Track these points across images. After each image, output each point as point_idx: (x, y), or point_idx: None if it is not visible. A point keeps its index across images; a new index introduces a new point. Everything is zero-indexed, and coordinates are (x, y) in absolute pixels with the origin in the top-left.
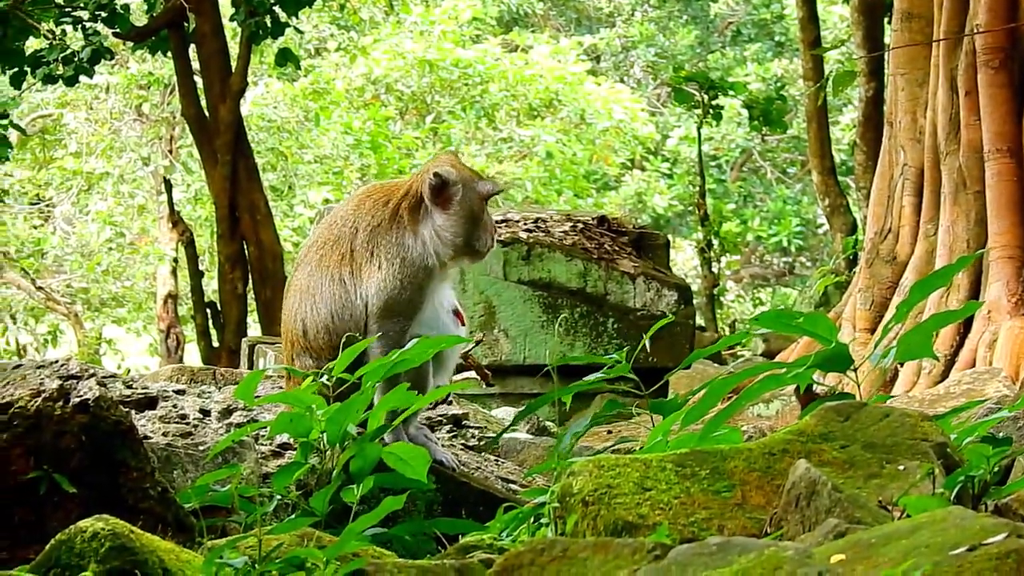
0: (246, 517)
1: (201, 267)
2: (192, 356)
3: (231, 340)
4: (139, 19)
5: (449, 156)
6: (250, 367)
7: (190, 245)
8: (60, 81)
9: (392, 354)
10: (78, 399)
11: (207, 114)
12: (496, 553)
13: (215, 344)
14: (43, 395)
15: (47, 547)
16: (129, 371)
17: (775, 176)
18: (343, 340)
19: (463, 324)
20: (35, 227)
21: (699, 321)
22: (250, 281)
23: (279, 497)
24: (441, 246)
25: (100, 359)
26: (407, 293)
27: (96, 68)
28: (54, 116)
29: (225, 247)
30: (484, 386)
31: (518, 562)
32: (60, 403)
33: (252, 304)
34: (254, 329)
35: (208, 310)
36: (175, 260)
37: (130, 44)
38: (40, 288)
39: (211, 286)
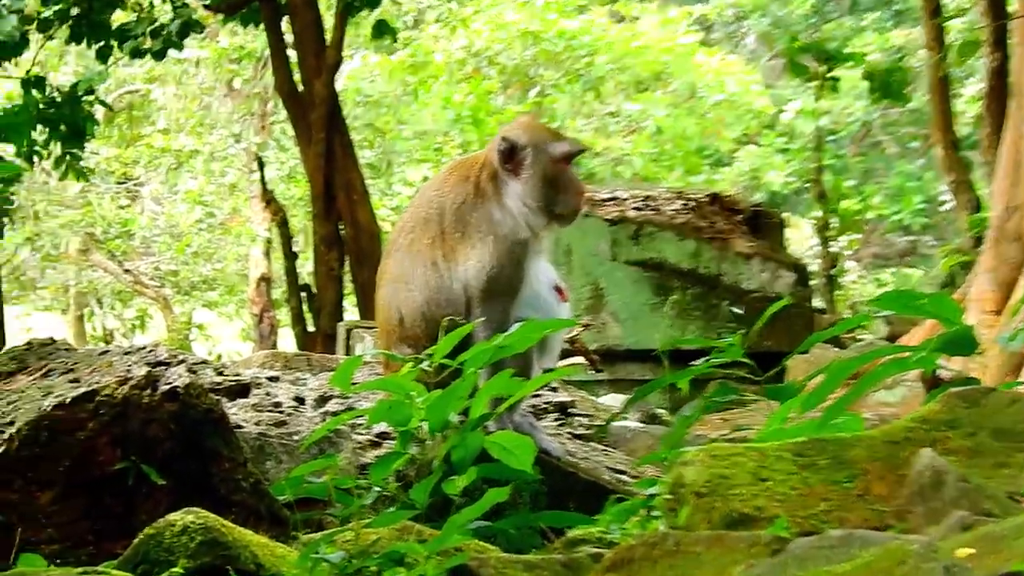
0: (343, 510)
1: (295, 248)
2: (286, 341)
3: (327, 324)
4: None
5: (524, 118)
6: (347, 353)
7: (284, 225)
8: (148, 55)
9: (495, 338)
10: (167, 386)
11: (301, 89)
12: (605, 547)
13: (310, 329)
14: (130, 382)
15: (135, 541)
16: (220, 357)
17: (896, 151)
18: (444, 324)
19: (565, 300)
20: (122, 207)
21: (817, 303)
22: (346, 262)
23: (377, 489)
24: (528, 214)
25: (190, 344)
26: (506, 271)
27: (185, 41)
28: (142, 91)
29: (320, 227)
30: (592, 372)
31: (629, 556)
32: (148, 391)
33: (348, 287)
34: (351, 313)
35: (303, 293)
36: (268, 241)
37: (220, 16)
38: (128, 271)
39: (306, 268)
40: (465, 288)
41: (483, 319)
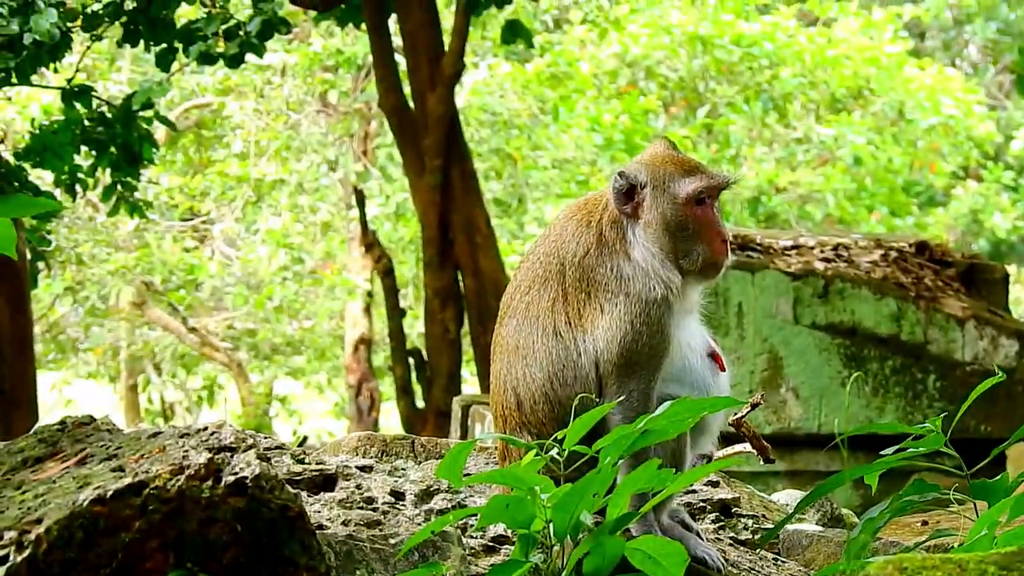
0: None
1: (403, 304)
2: (390, 419)
3: (440, 399)
4: None
5: (657, 147)
6: (463, 435)
7: (388, 275)
8: (221, 61)
9: (638, 421)
10: (232, 477)
11: (412, 105)
12: None
13: (419, 404)
14: (187, 472)
15: None
16: (305, 439)
17: None
18: (575, 403)
19: (723, 369)
20: (187, 250)
21: None
22: (465, 322)
23: None
24: (658, 267)
25: (270, 423)
26: (644, 338)
27: (268, 44)
28: (213, 106)
29: (434, 278)
30: (762, 462)
31: None
32: (209, 483)
33: (468, 352)
34: (470, 385)
35: (411, 359)
36: (369, 294)
37: (312, 13)
38: (193, 329)
39: (415, 328)
40: (596, 362)
41: (619, 399)
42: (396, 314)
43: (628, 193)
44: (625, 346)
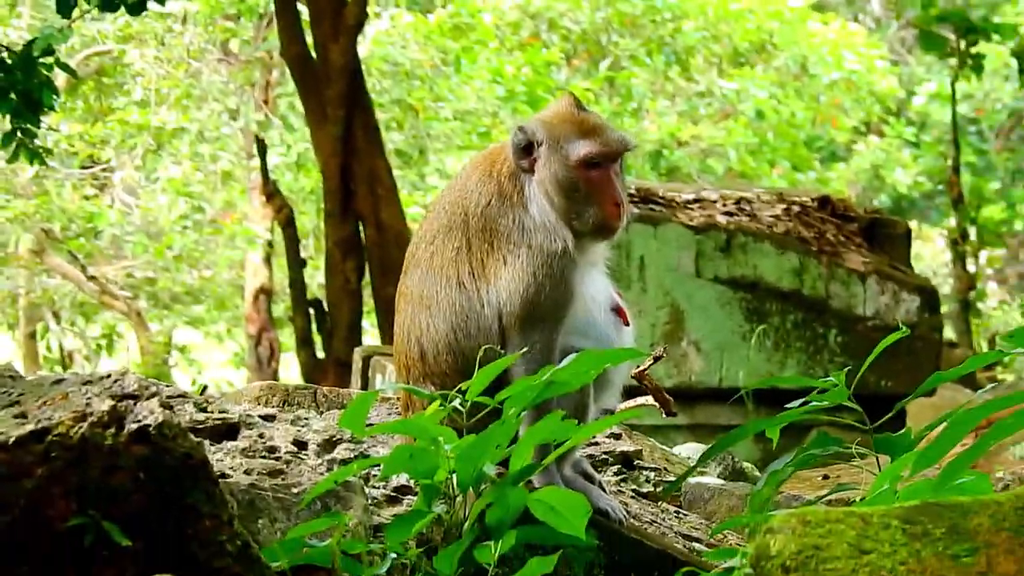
0: None
1: (304, 254)
2: (290, 370)
3: (340, 350)
4: None
5: (562, 101)
6: (364, 385)
7: (289, 225)
8: (122, 7)
9: (541, 373)
10: (135, 425)
11: (314, 55)
12: None
13: (319, 355)
14: (90, 419)
15: None
16: (205, 388)
17: None
18: (480, 354)
19: (627, 323)
20: (87, 198)
21: (949, 335)
22: (366, 273)
23: (394, 556)
24: (553, 221)
25: (169, 372)
26: (546, 290)
27: None
28: (114, 54)
29: (335, 229)
30: (664, 415)
31: None
32: (112, 430)
33: (368, 303)
34: (371, 336)
35: (311, 310)
36: (269, 244)
37: None
38: (93, 278)
39: (316, 279)
40: (499, 314)
41: (522, 351)
42: (297, 264)
43: (526, 148)
44: (528, 298)
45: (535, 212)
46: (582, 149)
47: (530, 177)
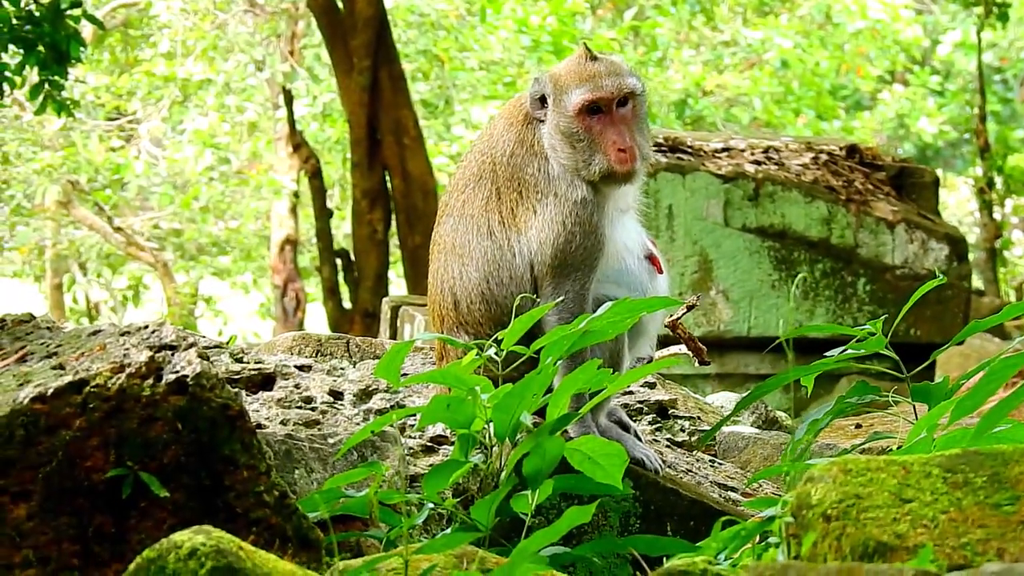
0: (388, 531)
1: (330, 204)
2: (316, 321)
3: (368, 300)
4: None
5: (575, 54)
6: (393, 336)
7: (316, 176)
8: None
9: (576, 322)
10: (173, 376)
11: (340, 5)
12: None
13: (346, 305)
14: (128, 371)
15: (131, 567)
16: (234, 339)
17: None
18: (515, 304)
19: (661, 271)
20: (113, 150)
21: (976, 283)
22: (393, 223)
23: (431, 506)
24: (567, 165)
25: (195, 323)
26: (577, 239)
27: None
28: (140, 5)
29: (362, 179)
30: (697, 364)
31: None
32: (150, 381)
33: (395, 253)
34: (397, 286)
35: (338, 260)
36: (296, 195)
37: None
38: (119, 229)
39: (342, 229)
40: (531, 263)
41: (556, 300)
42: (323, 215)
43: (541, 100)
44: (559, 247)
45: (553, 161)
46: (577, 97)
47: (542, 128)
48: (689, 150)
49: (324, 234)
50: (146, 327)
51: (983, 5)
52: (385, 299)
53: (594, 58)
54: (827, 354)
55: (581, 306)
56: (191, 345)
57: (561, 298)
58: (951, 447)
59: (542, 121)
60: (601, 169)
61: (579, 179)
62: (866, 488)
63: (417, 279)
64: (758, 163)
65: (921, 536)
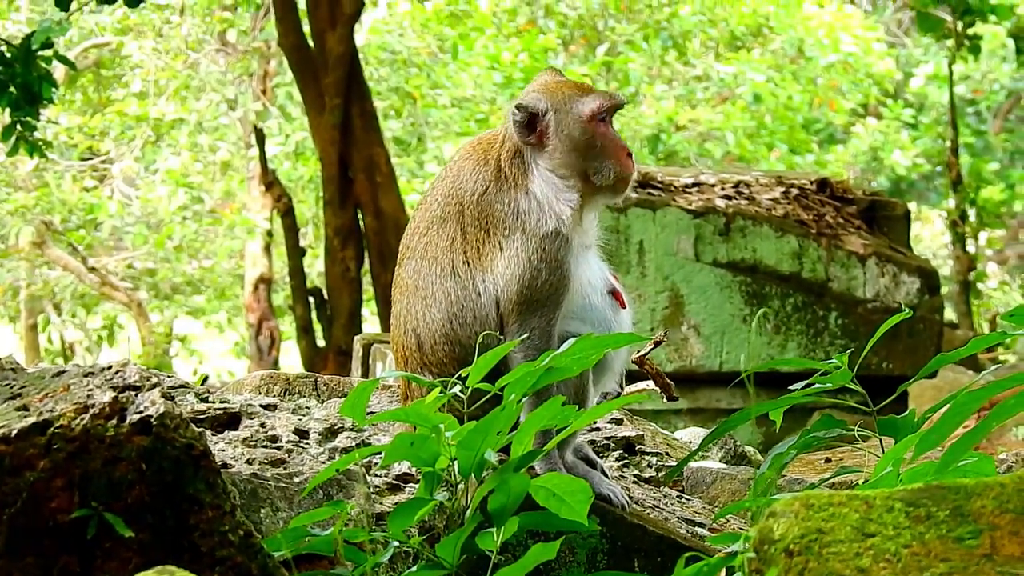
0: (353, 569)
1: (303, 243)
2: (291, 358)
3: (341, 338)
4: None
5: (544, 77)
6: (365, 373)
7: (288, 214)
8: (119, 0)
9: (541, 358)
10: (137, 416)
11: (311, 44)
12: None
13: (320, 343)
14: (92, 411)
15: None
16: (206, 378)
17: None
18: (477, 341)
19: (624, 307)
20: (87, 190)
21: (950, 316)
22: (366, 261)
23: (397, 544)
24: (559, 196)
25: (170, 362)
26: (543, 275)
27: None
28: (112, 46)
29: (334, 217)
30: (665, 400)
31: None
32: (114, 421)
33: (369, 291)
34: (371, 323)
35: (311, 298)
36: (269, 234)
37: None
38: (93, 269)
39: (315, 267)
40: (496, 301)
41: (521, 337)
42: (296, 253)
43: (529, 124)
44: (524, 283)
45: (536, 189)
46: (591, 104)
47: (536, 152)
48: (660, 185)
49: (297, 272)
50: (110, 367)
51: (955, 38)
52: (357, 337)
53: (563, 75)
54: (792, 387)
55: (547, 342)
56: (155, 385)
57: (527, 335)
58: (916, 481)
59: (533, 145)
60: (615, 173)
61: (558, 208)
62: (828, 523)
63: (390, 317)
64: (728, 198)
65: (883, 571)
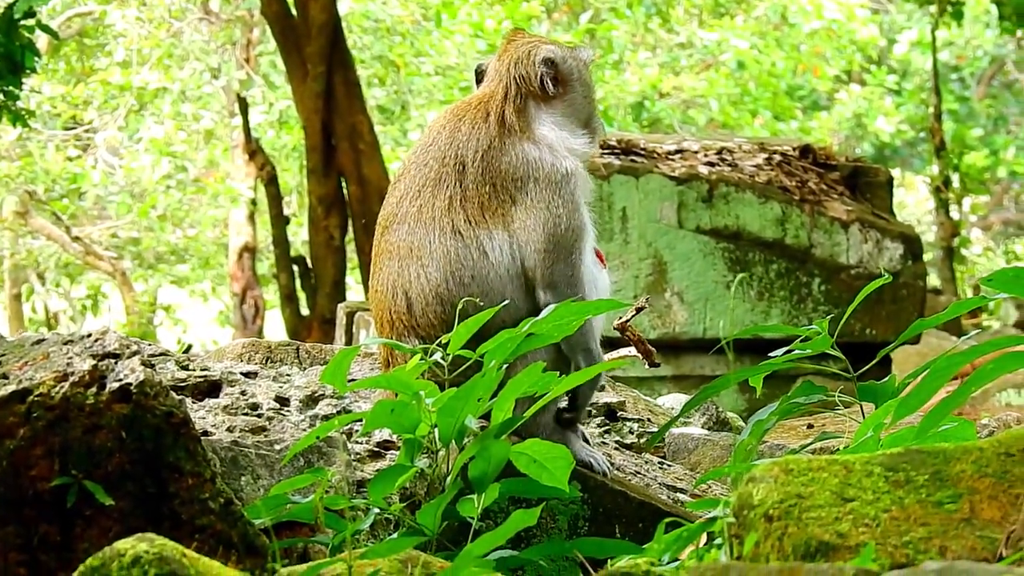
0: (334, 536)
1: (287, 211)
2: (275, 327)
3: (325, 306)
4: None
5: (520, 33)
6: (348, 341)
7: (272, 183)
8: None
9: (524, 324)
10: (116, 384)
11: (294, 12)
12: None
13: (304, 311)
14: (71, 379)
15: (75, 575)
16: (189, 347)
17: None
18: (459, 306)
19: (604, 265)
20: (70, 159)
21: (934, 282)
22: (350, 229)
23: (377, 510)
24: (572, 139)
25: (155, 331)
26: (564, 219)
27: None
28: (96, 15)
29: (318, 185)
30: (647, 366)
31: None
32: (93, 389)
33: (352, 259)
34: (355, 292)
35: (295, 267)
36: (253, 202)
37: None
38: (77, 239)
39: (299, 236)
40: (521, 260)
41: (504, 303)
42: (280, 222)
43: (554, 76)
44: (549, 233)
45: (547, 133)
46: (587, 52)
47: (543, 105)
48: (642, 152)
49: (281, 241)
50: (89, 335)
51: (938, 4)
52: (340, 305)
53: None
54: (773, 354)
55: (578, 288)
56: (135, 353)
57: (555, 286)
58: (896, 446)
59: (560, 95)
60: (600, 124)
61: (571, 148)
62: (808, 488)
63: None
64: (711, 164)
65: (863, 535)
